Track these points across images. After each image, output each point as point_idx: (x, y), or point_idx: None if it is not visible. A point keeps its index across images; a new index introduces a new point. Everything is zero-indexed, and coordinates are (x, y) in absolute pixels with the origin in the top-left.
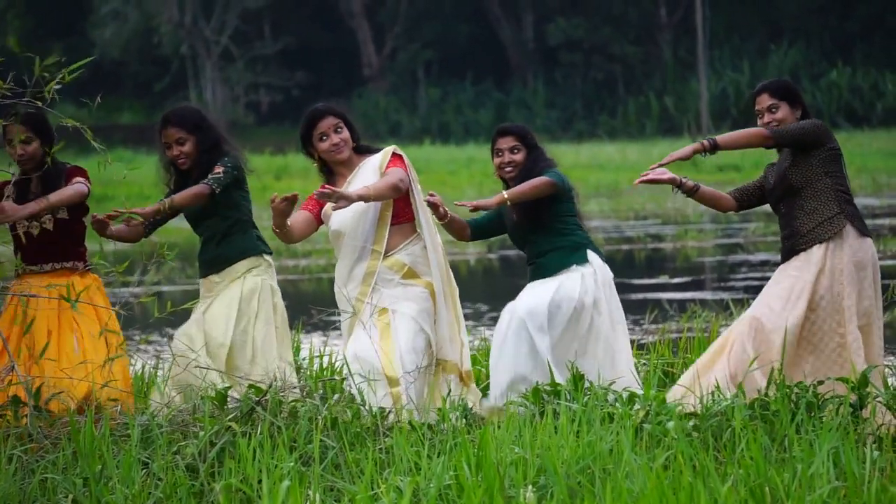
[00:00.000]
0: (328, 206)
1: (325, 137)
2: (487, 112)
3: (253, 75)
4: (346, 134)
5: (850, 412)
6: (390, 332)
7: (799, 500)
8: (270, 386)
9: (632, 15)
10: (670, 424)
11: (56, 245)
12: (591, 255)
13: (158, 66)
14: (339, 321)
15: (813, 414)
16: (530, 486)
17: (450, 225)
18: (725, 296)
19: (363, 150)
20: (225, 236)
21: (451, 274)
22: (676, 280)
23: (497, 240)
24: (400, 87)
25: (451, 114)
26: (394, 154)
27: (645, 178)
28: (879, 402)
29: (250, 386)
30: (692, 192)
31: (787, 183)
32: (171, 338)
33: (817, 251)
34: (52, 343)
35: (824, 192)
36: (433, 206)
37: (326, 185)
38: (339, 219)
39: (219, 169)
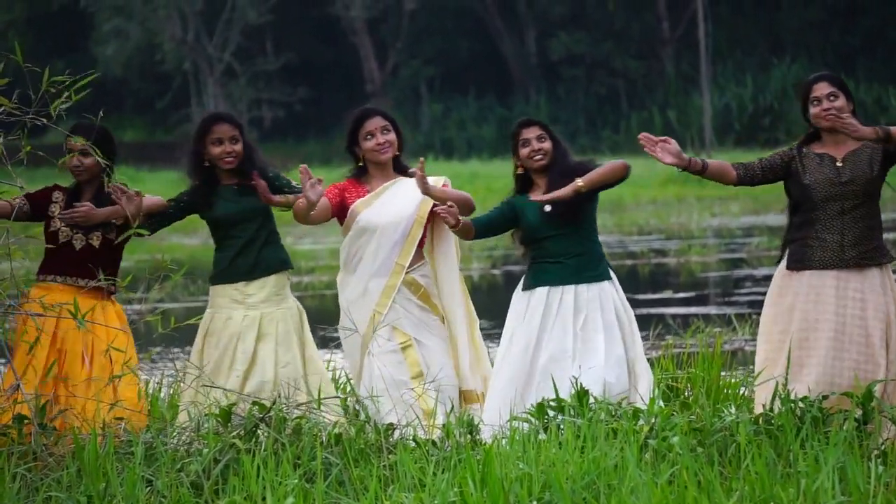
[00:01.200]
0: (359, 202)
1: (371, 136)
2: (490, 127)
3: (255, 91)
4: (392, 136)
5: (856, 427)
6: (421, 370)
7: None
8: (274, 403)
9: (634, 29)
10: (675, 439)
11: (94, 263)
12: (609, 270)
13: (161, 82)
14: (341, 338)
15: (818, 428)
16: (535, 502)
17: (461, 229)
18: (730, 311)
19: (401, 168)
20: (266, 243)
21: (472, 305)
22: (680, 295)
23: (500, 255)
24: (402, 103)
25: (453, 129)
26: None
27: (653, 151)
28: (885, 416)
29: (254, 402)
30: (702, 172)
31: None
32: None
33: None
34: (71, 361)
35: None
36: (449, 216)
37: (419, 169)
38: (372, 218)
39: (295, 183)
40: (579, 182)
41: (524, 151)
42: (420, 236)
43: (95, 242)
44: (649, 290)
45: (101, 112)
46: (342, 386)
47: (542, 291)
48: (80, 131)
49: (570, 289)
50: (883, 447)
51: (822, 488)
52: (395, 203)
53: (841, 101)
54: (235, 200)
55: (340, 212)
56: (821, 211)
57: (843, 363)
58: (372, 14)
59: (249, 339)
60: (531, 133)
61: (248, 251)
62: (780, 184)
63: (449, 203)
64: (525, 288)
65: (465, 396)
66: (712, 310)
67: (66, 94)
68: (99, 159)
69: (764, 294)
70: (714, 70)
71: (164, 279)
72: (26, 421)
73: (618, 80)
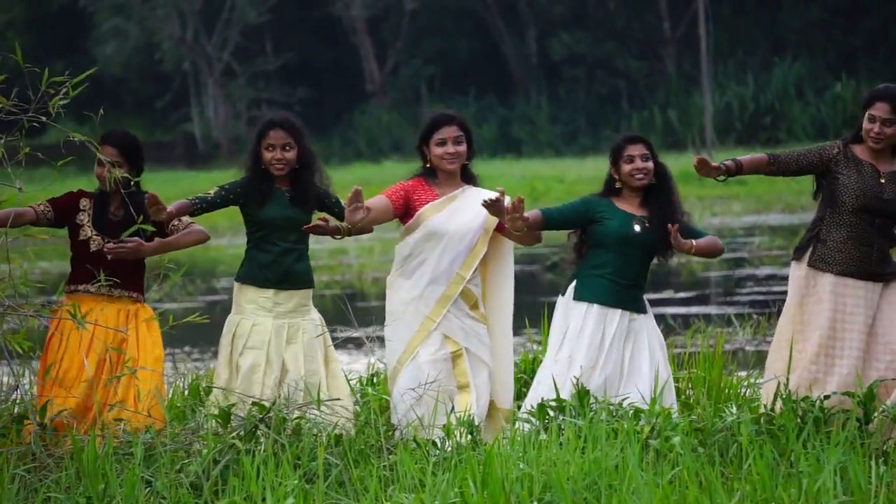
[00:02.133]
0: (429, 206)
1: (442, 143)
2: (490, 127)
3: (255, 91)
4: (463, 148)
5: (857, 427)
6: (468, 378)
7: None
8: (274, 403)
9: (635, 29)
10: (676, 440)
11: (123, 270)
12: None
13: (160, 82)
14: (340, 339)
15: (820, 429)
16: (536, 503)
17: (530, 223)
18: (731, 310)
19: (469, 177)
20: (300, 258)
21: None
22: (681, 295)
23: (515, 255)
24: (402, 103)
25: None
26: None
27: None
28: (886, 416)
29: (254, 403)
30: (738, 172)
31: None
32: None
33: None
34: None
35: None
36: (519, 212)
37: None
38: (442, 224)
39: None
40: (694, 245)
41: (627, 168)
42: (484, 251)
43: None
44: (650, 290)
45: (101, 110)
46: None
47: (597, 309)
48: (111, 140)
49: (624, 313)
50: (885, 447)
51: (824, 488)
52: (466, 212)
53: (893, 129)
54: (284, 207)
55: (405, 213)
56: (854, 218)
57: (870, 372)
58: (372, 13)
59: (279, 346)
60: (636, 150)
61: (283, 261)
62: (782, 183)
63: (518, 197)
64: (578, 298)
65: (502, 413)
66: (713, 310)
67: (64, 91)
68: (124, 175)
69: (765, 293)
70: (715, 69)
71: (163, 279)
72: (26, 421)
73: (619, 80)
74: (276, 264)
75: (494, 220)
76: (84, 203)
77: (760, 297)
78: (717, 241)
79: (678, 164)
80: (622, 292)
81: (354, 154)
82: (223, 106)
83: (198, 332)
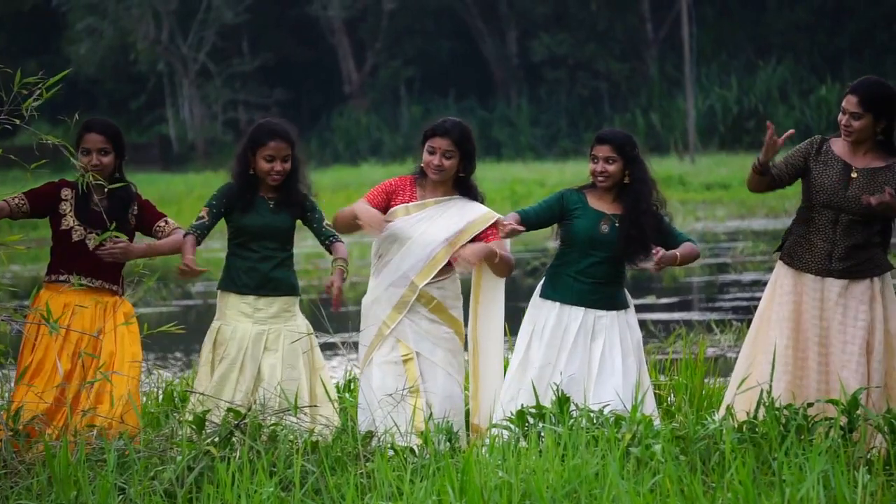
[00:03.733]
0: (400, 207)
1: (432, 152)
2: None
3: (231, 92)
4: (452, 163)
5: (841, 435)
6: (418, 385)
7: None
8: (249, 409)
9: (617, 31)
10: (658, 447)
11: (105, 265)
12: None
13: (135, 83)
14: (325, 341)
15: (803, 437)
16: None
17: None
18: (713, 316)
19: (465, 187)
20: (279, 265)
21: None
22: (663, 300)
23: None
24: (381, 105)
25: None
26: (495, 224)
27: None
28: (870, 424)
29: (229, 409)
30: (762, 173)
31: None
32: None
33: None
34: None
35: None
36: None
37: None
38: (405, 229)
39: (327, 220)
40: (678, 257)
41: (591, 167)
42: (444, 262)
43: (108, 242)
44: (632, 296)
45: (76, 115)
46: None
47: (559, 307)
48: (96, 128)
49: (589, 311)
50: (869, 456)
51: (807, 497)
52: (436, 222)
53: (861, 123)
54: (264, 214)
55: (386, 210)
56: (817, 214)
57: (828, 368)
58: (350, 14)
59: (256, 353)
60: (601, 151)
61: (260, 267)
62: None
63: (509, 226)
64: (544, 296)
65: (481, 432)
66: (695, 315)
67: (38, 92)
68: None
69: (749, 299)
70: (698, 72)
71: (137, 284)
72: None
73: (601, 82)
74: (254, 271)
75: (463, 236)
76: (66, 193)
77: (744, 303)
78: (696, 247)
79: (660, 167)
80: (586, 291)
81: (332, 156)
82: (199, 107)
83: (172, 338)
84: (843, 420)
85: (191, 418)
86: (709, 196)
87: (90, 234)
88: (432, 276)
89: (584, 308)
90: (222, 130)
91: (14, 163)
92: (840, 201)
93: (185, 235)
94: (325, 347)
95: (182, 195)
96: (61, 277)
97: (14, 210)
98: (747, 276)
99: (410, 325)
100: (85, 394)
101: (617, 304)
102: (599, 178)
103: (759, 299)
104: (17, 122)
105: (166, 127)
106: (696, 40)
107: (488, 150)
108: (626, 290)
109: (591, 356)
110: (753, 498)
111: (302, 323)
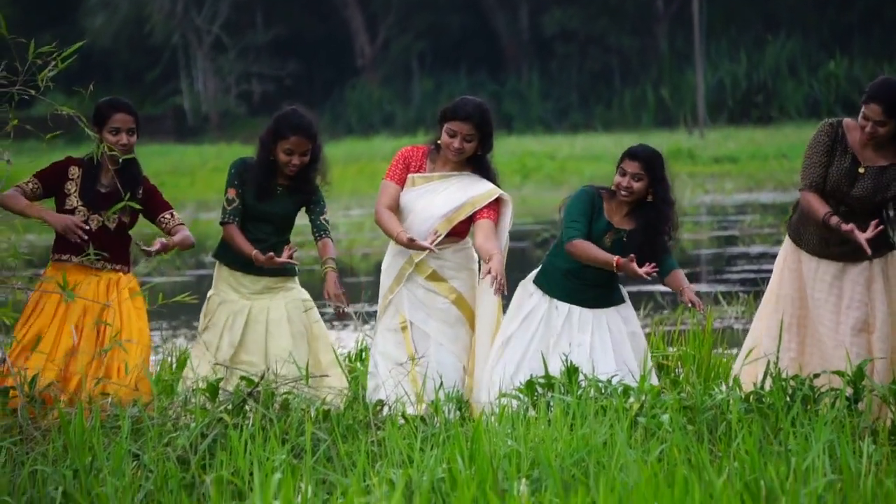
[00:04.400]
0: (410, 178)
1: (453, 135)
2: None
3: (245, 65)
4: (471, 146)
5: (847, 405)
6: (413, 351)
7: (794, 494)
8: (262, 377)
9: (628, 6)
10: (665, 417)
11: (106, 242)
12: (624, 291)
13: (149, 55)
14: (331, 312)
15: (809, 407)
16: (524, 480)
17: None
18: (721, 288)
19: (480, 165)
20: (271, 249)
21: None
22: None
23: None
24: (393, 78)
25: (444, 104)
26: (500, 201)
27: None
28: (875, 395)
29: (242, 377)
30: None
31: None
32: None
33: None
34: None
35: None
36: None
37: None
38: (410, 201)
39: (327, 214)
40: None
41: (617, 179)
42: (443, 231)
43: (111, 224)
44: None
45: (90, 86)
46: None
47: (548, 299)
48: (126, 108)
49: (574, 308)
50: (874, 426)
51: (813, 467)
52: (438, 195)
53: (887, 129)
54: (270, 200)
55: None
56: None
57: (822, 347)
58: None
59: (238, 325)
60: (631, 167)
61: (258, 248)
62: (774, 162)
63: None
64: (536, 283)
65: (475, 409)
66: (703, 287)
67: (53, 63)
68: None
69: (756, 272)
70: (708, 47)
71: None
72: (12, 393)
73: (611, 57)
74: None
75: (461, 213)
76: (73, 171)
77: (751, 276)
78: (681, 276)
79: (670, 140)
80: (576, 290)
81: (345, 129)
82: (213, 79)
83: (186, 307)
84: (849, 391)
85: (189, 384)
86: (717, 169)
87: (93, 216)
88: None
89: (569, 305)
90: (236, 102)
91: (30, 133)
92: (843, 195)
93: (224, 225)
94: (339, 316)
95: (196, 166)
96: (64, 256)
97: (30, 195)
98: (755, 249)
99: (407, 294)
100: (98, 362)
101: (608, 302)
102: (623, 193)
103: (766, 272)
104: (33, 92)
105: (180, 99)
106: (706, 15)
107: (499, 123)
108: (620, 288)
109: (581, 349)
110: (759, 467)
111: (297, 296)
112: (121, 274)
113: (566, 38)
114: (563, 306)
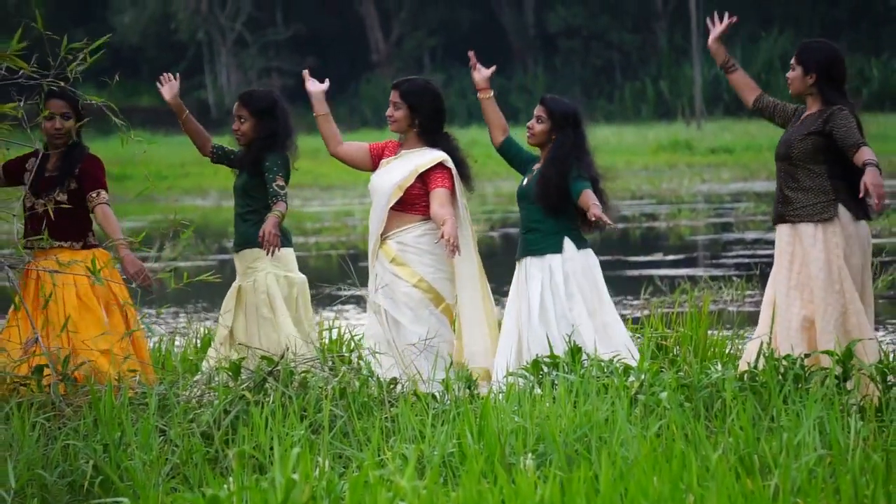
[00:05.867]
0: (382, 161)
1: (388, 106)
2: None
3: (265, 60)
4: (400, 114)
5: (836, 384)
6: (391, 335)
7: (786, 467)
8: (282, 357)
9: (629, 4)
10: (663, 395)
11: (59, 223)
12: (567, 242)
13: (175, 51)
14: (345, 297)
15: (800, 385)
16: (530, 454)
17: (488, 113)
18: (717, 272)
19: (428, 140)
20: (242, 219)
21: (488, 288)
22: (670, 257)
23: (499, 218)
24: (406, 72)
25: (454, 97)
26: (439, 165)
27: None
28: (864, 374)
29: (262, 357)
30: (729, 70)
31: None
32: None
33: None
34: (73, 317)
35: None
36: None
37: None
38: (375, 180)
39: (280, 181)
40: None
41: (529, 124)
42: (394, 200)
43: (50, 206)
44: (640, 253)
45: (116, 76)
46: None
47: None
48: (55, 94)
49: (521, 262)
50: (862, 403)
51: (804, 442)
52: (393, 171)
53: (795, 73)
54: (239, 175)
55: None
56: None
57: (793, 313)
58: None
59: (230, 307)
60: (536, 111)
61: (235, 224)
62: (768, 153)
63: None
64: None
65: (473, 372)
66: (700, 271)
67: (82, 56)
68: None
69: (750, 257)
70: (705, 42)
71: (176, 238)
72: (45, 371)
73: (613, 52)
74: (234, 228)
75: (408, 179)
76: (30, 164)
77: (745, 260)
78: (589, 195)
79: (668, 132)
80: (522, 243)
81: (360, 121)
82: (235, 74)
83: (211, 289)
84: (838, 370)
85: (213, 363)
86: (714, 159)
87: (38, 201)
88: (384, 221)
89: (519, 259)
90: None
91: None
92: (778, 150)
93: (280, 204)
94: (352, 298)
95: None
96: (28, 242)
97: None
98: (749, 235)
99: (376, 277)
100: (126, 342)
101: (541, 249)
102: (528, 134)
103: (760, 256)
104: (63, 84)
105: (205, 92)
106: (703, 12)
107: (506, 115)
108: (567, 237)
109: (531, 303)
110: (753, 442)
111: (262, 277)
112: (79, 251)
113: (570, 34)
114: (520, 264)
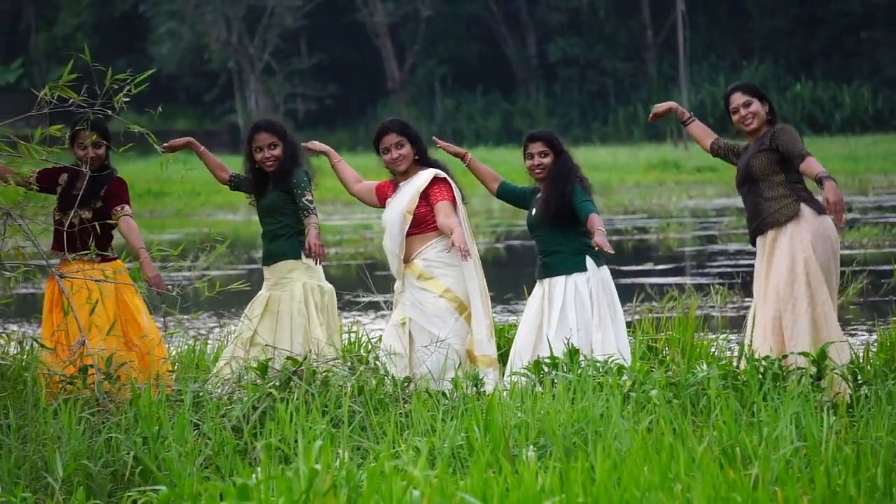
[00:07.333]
0: (391, 199)
1: (386, 152)
2: (495, 120)
3: (291, 87)
4: (406, 150)
5: (811, 382)
6: (407, 343)
7: (765, 458)
8: (306, 358)
9: (622, 35)
10: (654, 393)
11: (84, 238)
12: (588, 261)
13: (208, 79)
14: (363, 303)
15: (778, 384)
16: (531, 446)
17: (477, 171)
18: (703, 280)
19: (423, 162)
20: (276, 237)
21: (485, 282)
22: (660, 267)
23: (504, 231)
24: (419, 99)
25: (463, 121)
26: (436, 181)
27: (654, 115)
28: (836, 373)
29: (288, 357)
30: (686, 123)
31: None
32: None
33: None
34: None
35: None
36: (458, 156)
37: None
38: (386, 216)
39: (309, 195)
40: (598, 238)
41: (528, 164)
42: (407, 226)
43: (75, 220)
44: (632, 263)
45: (159, 107)
46: (366, 347)
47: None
48: (91, 126)
49: (542, 282)
50: (834, 400)
51: (781, 435)
52: (397, 201)
53: (755, 106)
54: (267, 195)
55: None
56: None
57: (767, 315)
58: (393, 20)
59: (256, 313)
60: (535, 148)
61: (265, 241)
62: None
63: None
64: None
65: (479, 360)
66: (687, 280)
67: (127, 87)
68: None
69: (733, 266)
70: (691, 71)
71: (209, 250)
72: (90, 370)
73: (607, 79)
74: (264, 245)
75: (413, 202)
76: (63, 178)
77: (728, 269)
78: (595, 220)
79: (658, 152)
80: (544, 265)
81: None
82: (263, 99)
83: (243, 296)
84: (813, 370)
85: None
86: (699, 177)
87: (63, 217)
88: (403, 242)
89: (539, 280)
90: (283, 119)
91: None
92: (740, 174)
93: (312, 217)
94: (370, 306)
95: None
96: (57, 254)
97: (32, 184)
98: (732, 247)
99: (407, 294)
100: (163, 344)
101: (558, 270)
102: (537, 171)
103: (741, 266)
104: (109, 112)
105: (235, 116)
106: (690, 44)
107: (510, 138)
108: (588, 255)
109: (551, 315)
110: (735, 435)
111: (297, 287)
112: (98, 263)
113: (568, 63)
114: (540, 284)
